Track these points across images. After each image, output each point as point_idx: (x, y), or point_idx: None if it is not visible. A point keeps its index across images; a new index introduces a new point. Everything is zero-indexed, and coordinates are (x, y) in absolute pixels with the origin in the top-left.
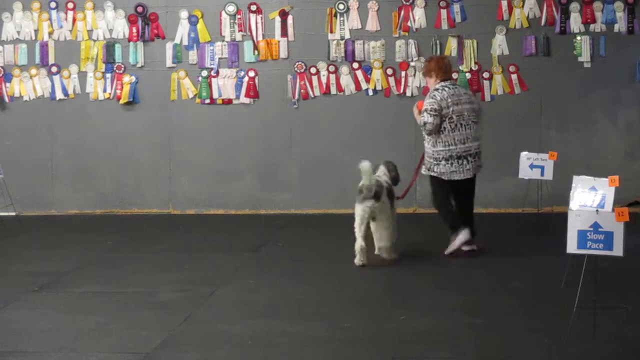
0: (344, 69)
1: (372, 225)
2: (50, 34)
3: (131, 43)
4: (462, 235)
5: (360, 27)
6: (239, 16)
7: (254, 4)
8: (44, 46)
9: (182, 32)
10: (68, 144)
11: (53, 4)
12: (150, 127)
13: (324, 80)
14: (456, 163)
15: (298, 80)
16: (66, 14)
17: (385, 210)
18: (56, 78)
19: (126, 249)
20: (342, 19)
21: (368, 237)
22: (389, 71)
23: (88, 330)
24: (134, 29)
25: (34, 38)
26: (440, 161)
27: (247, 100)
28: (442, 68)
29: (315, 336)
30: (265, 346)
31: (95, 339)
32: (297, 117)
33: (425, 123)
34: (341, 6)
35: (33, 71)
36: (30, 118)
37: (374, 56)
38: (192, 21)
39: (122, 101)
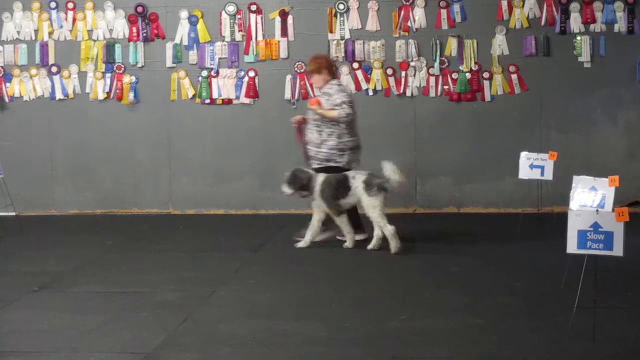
0: (344, 69)
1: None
2: (50, 34)
3: (131, 43)
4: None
5: (360, 27)
6: (239, 16)
7: (254, 4)
8: (44, 46)
9: (182, 32)
10: (68, 144)
11: (53, 4)
12: (150, 127)
13: None
14: (357, 152)
15: (298, 80)
16: (66, 14)
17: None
18: (56, 78)
19: (126, 249)
20: (342, 18)
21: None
22: (389, 71)
23: (88, 330)
24: (134, 29)
25: (34, 38)
26: (346, 151)
27: (247, 100)
28: (332, 66)
29: (315, 336)
30: (266, 346)
31: (95, 339)
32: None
33: (347, 114)
34: (341, 6)
35: (33, 71)
36: (30, 118)
37: (374, 56)
38: (192, 21)
39: (122, 101)
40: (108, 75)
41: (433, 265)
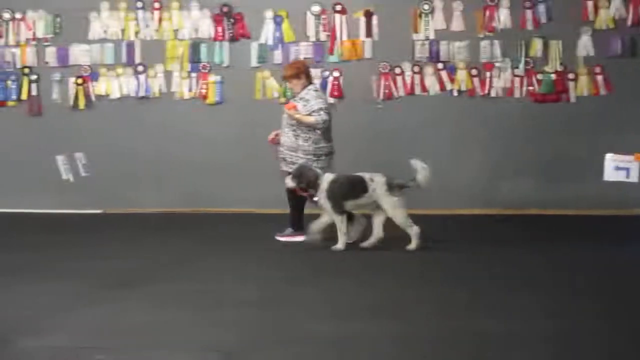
0: (429, 70)
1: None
2: (136, 33)
3: (216, 42)
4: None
5: (444, 27)
6: (323, 16)
7: (339, 4)
8: (130, 45)
9: (267, 32)
10: (153, 142)
11: (139, 4)
12: (235, 126)
13: (408, 80)
14: (331, 157)
15: (382, 80)
16: (152, 13)
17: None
18: (142, 77)
19: (209, 247)
20: (426, 19)
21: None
22: (474, 72)
23: (171, 327)
24: (220, 29)
25: (120, 37)
26: (321, 157)
27: (331, 100)
28: (309, 71)
29: (396, 337)
30: (347, 346)
31: (178, 336)
32: (381, 117)
33: (324, 121)
34: (426, 6)
35: (119, 70)
36: (116, 116)
37: (459, 56)
38: (277, 21)
39: (207, 100)
40: (193, 74)
41: (512, 267)
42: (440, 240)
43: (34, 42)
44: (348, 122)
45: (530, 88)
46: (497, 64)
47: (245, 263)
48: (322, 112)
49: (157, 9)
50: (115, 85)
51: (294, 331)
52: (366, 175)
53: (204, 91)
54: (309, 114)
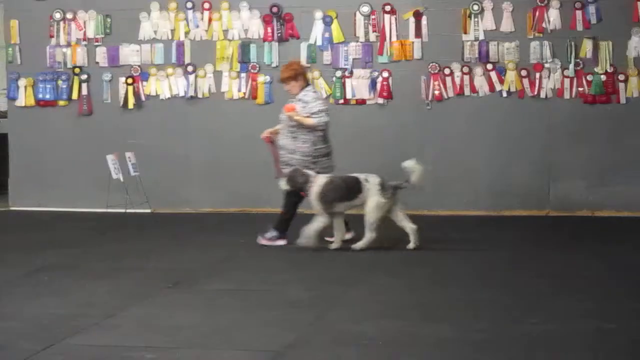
0: (478, 70)
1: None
2: (186, 33)
3: (266, 43)
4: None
5: (494, 28)
6: (373, 17)
7: (388, 4)
8: (180, 46)
9: (317, 32)
10: (202, 142)
11: (189, 4)
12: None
13: (457, 81)
14: (330, 159)
15: (432, 81)
16: (202, 13)
17: None
18: (192, 77)
19: (259, 247)
20: (476, 19)
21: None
22: (523, 72)
23: (220, 327)
24: (269, 29)
25: (170, 38)
26: (319, 158)
27: (380, 101)
28: (306, 73)
29: (444, 338)
30: (395, 347)
31: (227, 336)
32: (430, 118)
33: (325, 122)
34: (475, 7)
35: (169, 70)
36: (166, 116)
37: (508, 57)
38: (327, 21)
39: (257, 101)
40: (243, 74)
41: (564, 269)
42: (489, 242)
43: (84, 42)
44: (397, 122)
45: (580, 89)
46: (546, 65)
47: (295, 263)
48: (321, 114)
49: (207, 10)
50: (165, 85)
51: (341, 331)
52: (361, 176)
53: (253, 91)
54: (309, 116)
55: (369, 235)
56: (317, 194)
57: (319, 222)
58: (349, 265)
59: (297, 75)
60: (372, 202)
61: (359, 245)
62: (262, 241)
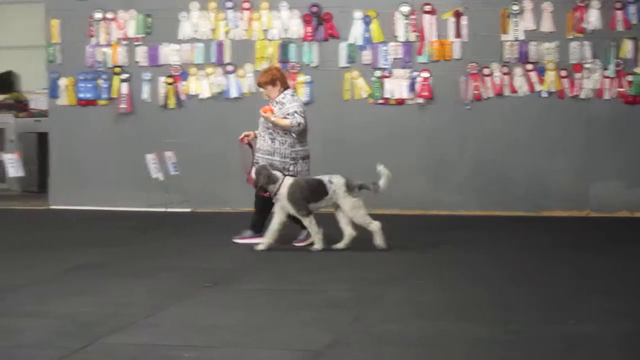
0: (518, 70)
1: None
2: (226, 33)
3: (305, 43)
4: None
5: (534, 28)
6: (412, 16)
7: (428, 4)
8: (220, 45)
9: (356, 32)
10: None
11: (229, 4)
12: (324, 126)
13: (497, 81)
14: (307, 161)
15: (471, 81)
16: (242, 13)
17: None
18: (231, 77)
19: (298, 247)
20: (515, 19)
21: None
22: (563, 73)
23: (258, 326)
24: (309, 29)
25: (210, 37)
26: (298, 160)
27: (420, 101)
28: (284, 77)
29: (479, 338)
30: (432, 347)
31: (265, 335)
32: (470, 118)
33: (299, 123)
34: (515, 7)
35: (209, 70)
36: (206, 116)
37: (548, 57)
38: (366, 21)
39: None
40: None
41: (600, 270)
42: (527, 243)
43: (125, 42)
44: (436, 122)
45: (620, 89)
46: (586, 65)
47: (333, 264)
48: (296, 115)
49: (246, 9)
50: (204, 84)
51: (379, 331)
52: (325, 178)
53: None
54: (284, 117)
55: (374, 229)
56: (286, 194)
57: (308, 222)
58: (386, 267)
59: (275, 79)
60: (347, 204)
61: (378, 243)
62: (238, 240)
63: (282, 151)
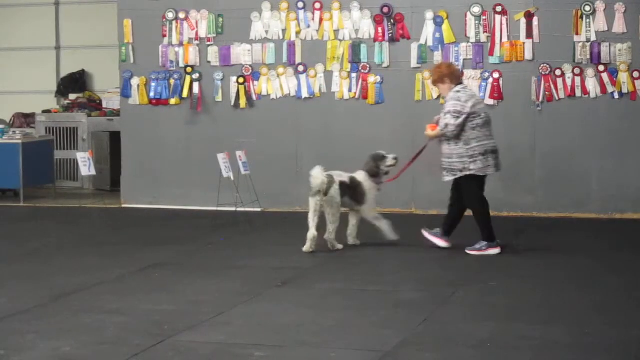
0: (590, 72)
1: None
2: (297, 33)
3: (377, 43)
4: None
5: (606, 29)
6: (484, 17)
7: (500, 5)
8: (291, 45)
9: (427, 32)
10: (313, 142)
11: (301, 4)
12: (395, 127)
13: (569, 82)
14: (490, 157)
15: (543, 82)
16: (313, 14)
17: (331, 205)
18: (302, 77)
19: (369, 247)
20: (588, 20)
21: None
22: (636, 74)
23: (329, 326)
24: (380, 29)
25: (281, 37)
26: (477, 157)
27: (491, 102)
28: (454, 73)
29: (555, 341)
30: (505, 349)
31: (336, 335)
32: (541, 119)
33: (447, 125)
34: (587, 8)
35: (280, 70)
36: (277, 116)
37: (620, 59)
38: (437, 22)
39: (367, 101)
40: (353, 75)
41: None
42: (600, 245)
43: (196, 42)
44: (507, 123)
45: None
46: None
47: (404, 264)
48: (447, 116)
49: (317, 10)
50: (276, 85)
51: (450, 333)
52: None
53: (364, 91)
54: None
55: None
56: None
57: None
58: (458, 267)
59: (442, 77)
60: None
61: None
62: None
63: (458, 151)
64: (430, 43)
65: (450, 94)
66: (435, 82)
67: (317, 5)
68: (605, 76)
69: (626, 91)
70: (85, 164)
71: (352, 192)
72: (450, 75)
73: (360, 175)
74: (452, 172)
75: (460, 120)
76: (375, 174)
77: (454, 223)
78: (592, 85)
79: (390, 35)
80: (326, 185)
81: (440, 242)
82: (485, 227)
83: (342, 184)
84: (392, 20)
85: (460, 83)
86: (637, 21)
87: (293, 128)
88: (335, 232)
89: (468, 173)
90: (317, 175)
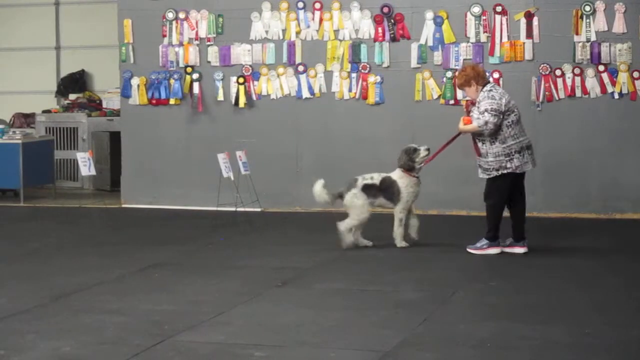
0: (590, 72)
1: None
2: (297, 33)
3: (377, 43)
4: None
5: (606, 29)
6: (484, 17)
7: (500, 5)
8: (291, 45)
9: (427, 32)
10: (313, 142)
11: (300, 4)
12: (394, 127)
13: (569, 82)
14: (526, 153)
15: (543, 82)
16: (313, 14)
17: (348, 208)
18: (302, 77)
19: (369, 247)
20: (588, 20)
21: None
22: (635, 74)
23: (329, 326)
24: (380, 29)
25: (281, 37)
26: (513, 155)
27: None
28: (480, 74)
29: (555, 341)
30: (505, 349)
31: (336, 335)
32: (541, 119)
33: (486, 122)
34: (587, 8)
35: (280, 70)
36: (277, 116)
37: (620, 59)
38: (437, 22)
39: (367, 101)
40: (353, 75)
41: None
42: (599, 245)
43: (196, 42)
44: None
45: None
46: None
47: (403, 265)
48: (486, 114)
49: (317, 10)
50: (276, 85)
51: (450, 333)
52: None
53: (363, 91)
54: (478, 117)
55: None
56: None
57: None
58: (457, 268)
59: (468, 80)
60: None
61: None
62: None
63: (493, 150)
64: (430, 43)
65: (482, 94)
66: (461, 86)
67: (317, 5)
68: (605, 76)
69: (626, 91)
70: (85, 164)
71: (384, 192)
72: (477, 77)
73: (396, 174)
74: (486, 172)
75: (499, 119)
76: (410, 167)
77: (518, 224)
78: (592, 85)
79: (390, 35)
80: (338, 192)
81: (518, 250)
82: (493, 225)
83: (367, 187)
84: (392, 20)
85: (488, 82)
86: (637, 21)
87: (293, 128)
88: (356, 231)
89: (505, 172)
90: (317, 193)
